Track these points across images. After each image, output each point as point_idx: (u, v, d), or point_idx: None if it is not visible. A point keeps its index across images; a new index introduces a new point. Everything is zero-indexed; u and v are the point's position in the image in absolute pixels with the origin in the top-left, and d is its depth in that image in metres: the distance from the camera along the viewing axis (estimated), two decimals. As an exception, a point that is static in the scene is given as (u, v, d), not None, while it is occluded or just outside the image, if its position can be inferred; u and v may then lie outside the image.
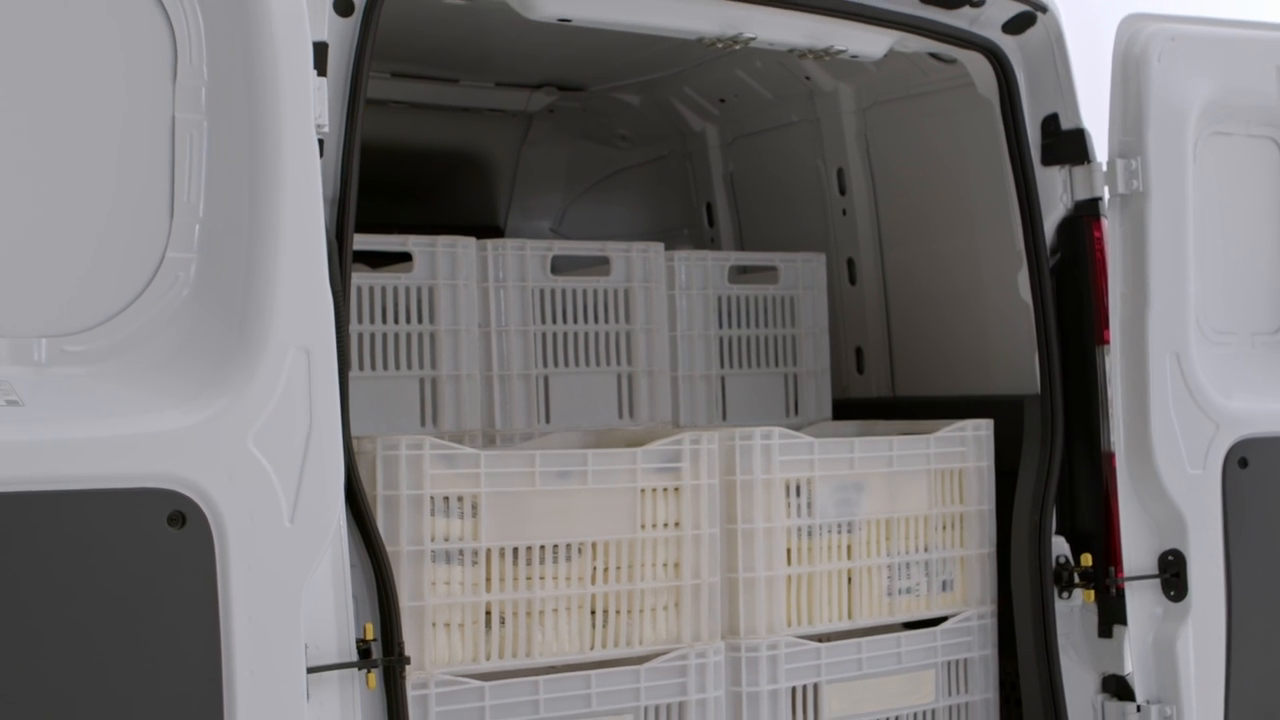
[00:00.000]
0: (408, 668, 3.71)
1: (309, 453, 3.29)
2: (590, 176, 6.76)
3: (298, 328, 3.29)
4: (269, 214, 3.26)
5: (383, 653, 3.58)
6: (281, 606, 3.25)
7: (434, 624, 3.91)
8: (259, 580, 3.22)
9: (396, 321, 4.73)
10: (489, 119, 6.33)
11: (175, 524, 3.13)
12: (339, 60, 3.66)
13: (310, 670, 3.32)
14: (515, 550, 4.07)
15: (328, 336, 3.35)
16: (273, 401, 3.25)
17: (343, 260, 3.59)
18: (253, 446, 3.21)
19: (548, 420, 4.98)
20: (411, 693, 3.71)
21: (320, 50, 3.48)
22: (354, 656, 3.48)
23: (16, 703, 2.94)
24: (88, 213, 3.18)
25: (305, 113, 3.32)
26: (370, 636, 3.54)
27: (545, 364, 4.99)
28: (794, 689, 4.48)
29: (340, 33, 3.68)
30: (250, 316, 3.24)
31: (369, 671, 3.52)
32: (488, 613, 4.05)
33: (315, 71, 3.41)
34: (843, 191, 5.76)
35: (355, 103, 3.69)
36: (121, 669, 3.07)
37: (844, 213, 5.76)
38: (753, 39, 4.42)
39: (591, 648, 4.20)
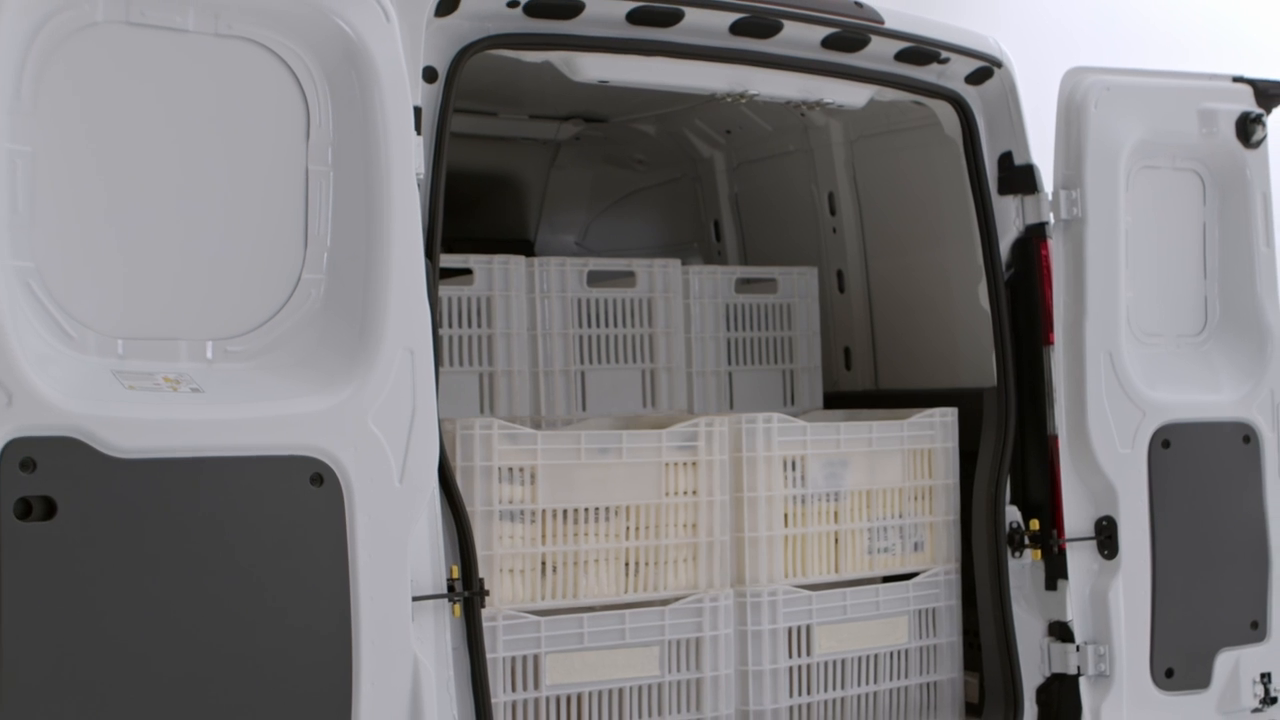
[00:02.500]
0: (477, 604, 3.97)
1: (413, 430, 3.68)
2: (611, 196, 6.93)
3: (404, 332, 3.68)
4: (381, 244, 3.68)
5: (464, 589, 3.92)
6: (393, 549, 3.65)
7: (500, 570, 4.27)
8: (376, 528, 3.62)
9: (460, 326, 4.99)
10: (522, 146, 6.52)
11: (315, 483, 3.55)
12: (428, 119, 3.99)
13: (413, 599, 3.71)
14: (565, 511, 4.39)
15: (426, 339, 3.73)
16: (385, 390, 3.65)
17: (432, 278, 3.87)
18: (372, 425, 3.63)
19: (584, 408, 5.22)
20: (484, 624, 4.01)
21: (417, 113, 3.84)
22: (444, 591, 3.86)
23: (197, 612, 3.39)
24: (243, 244, 3.60)
25: (408, 165, 3.73)
26: (455, 576, 3.90)
27: (582, 361, 5.24)
28: (790, 629, 4.73)
29: (428, 97, 4.00)
30: (368, 324, 3.66)
31: (455, 603, 3.89)
32: (543, 562, 4.37)
33: (414, 131, 3.79)
34: (833, 212, 5.96)
35: (440, 152, 4.01)
36: (275, 594, 3.48)
37: (834, 231, 5.97)
38: (756, 95, 4.68)
39: (625, 592, 4.50)
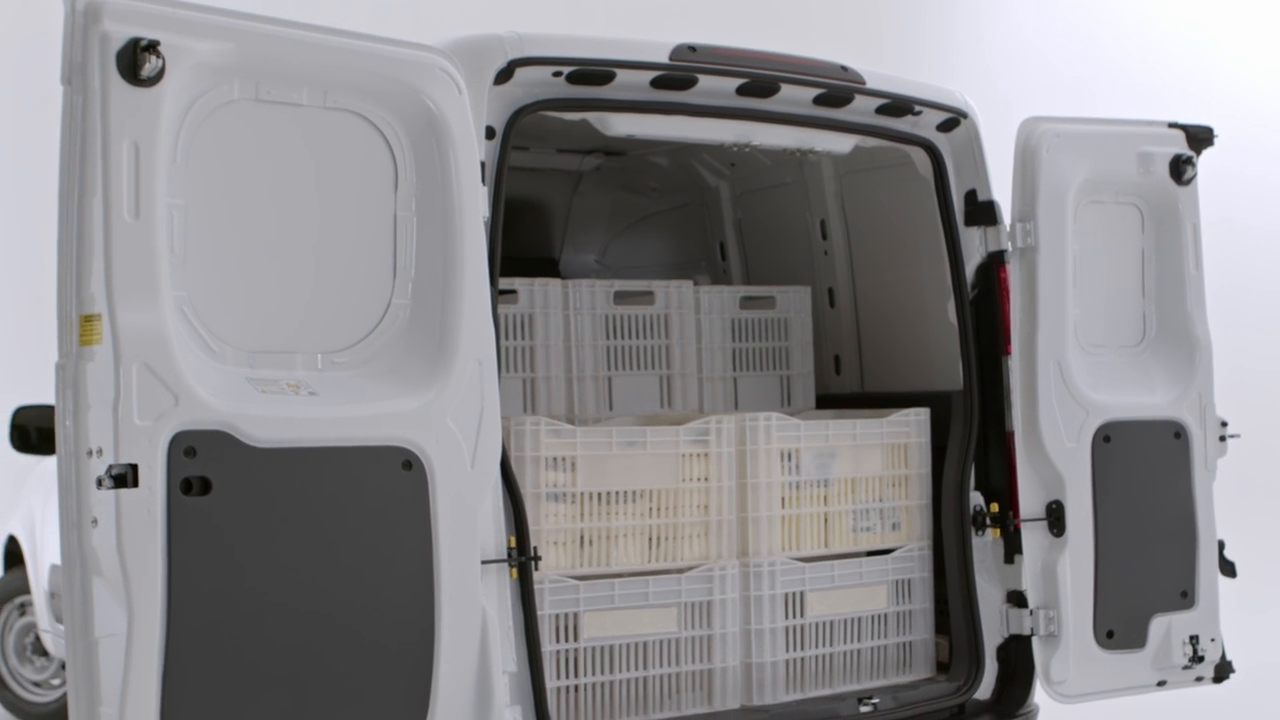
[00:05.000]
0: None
1: (481, 426, 4.17)
2: (627, 219, 7.24)
3: (474, 346, 4.17)
4: (455, 275, 4.18)
5: (520, 555, 4.34)
6: (467, 522, 4.13)
7: (546, 542, 4.65)
8: (454, 505, 4.09)
9: (506, 339, 5.33)
10: (549, 176, 6.86)
11: (406, 469, 4.02)
12: (489, 170, 4.40)
13: (481, 563, 4.16)
14: (599, 494, 4.76)
15: (491, 352, 4.21)
16: (460, 393, 4.13)
17: (494, 301, 4.28)
18: (449, 421, 4.11)
19: (611, 408, 5.59)
20: (534, 586, 4.40)
21: (481, 167, 4.28)
22: (504, 557, 4.30)
23: (317, 567, 3.89)
24: (345, 275, 4.12)
25: (476, 210, 4.23)
26: (512, 545, 4.33)
27: (609, 368, 5.61)
28: (786, 595, 5.06)
29: (489, 152, 4.43)
30: (445, 339, 4.14)
31: (513, 567, 4.33)
32: (581, 536, 4.74)
33: (480, 182, 4.30)
34: (825, 237, 6.30)
35: (499, 197, 4.43)
36: (374, 559, 3.99)
37: (825, 253, 6.31)
38: (758, 145, 5.10)
39: (649, 561, 4.85)
